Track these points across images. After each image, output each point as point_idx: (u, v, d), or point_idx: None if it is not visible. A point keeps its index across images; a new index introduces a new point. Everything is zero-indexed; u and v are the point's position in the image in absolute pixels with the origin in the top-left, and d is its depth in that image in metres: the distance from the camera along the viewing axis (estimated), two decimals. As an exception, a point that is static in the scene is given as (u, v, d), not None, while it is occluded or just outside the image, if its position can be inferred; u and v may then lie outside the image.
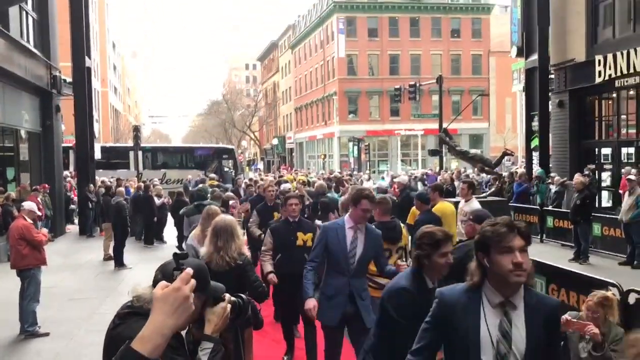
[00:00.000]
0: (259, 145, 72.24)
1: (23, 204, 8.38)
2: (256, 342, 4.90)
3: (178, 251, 2.18)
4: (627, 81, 15.71)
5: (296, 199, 6.49)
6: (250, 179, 18.38)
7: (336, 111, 49.56)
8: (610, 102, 18.01)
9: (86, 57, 19.12)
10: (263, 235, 8.63)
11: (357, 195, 4.89)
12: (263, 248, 6.38)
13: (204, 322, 2.40)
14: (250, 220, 9.10)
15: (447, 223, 7.75)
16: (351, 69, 50.35)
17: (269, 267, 6.17)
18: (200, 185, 13.38)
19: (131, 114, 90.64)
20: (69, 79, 18.92)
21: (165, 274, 2.24)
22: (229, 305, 2.47)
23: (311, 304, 4.93)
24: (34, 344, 7.34)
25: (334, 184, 15.22)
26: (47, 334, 7.58)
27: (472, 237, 5.28)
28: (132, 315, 2.22)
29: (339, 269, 4.88)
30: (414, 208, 8.24)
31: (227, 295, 2.50)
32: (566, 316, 4.35)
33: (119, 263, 12.35)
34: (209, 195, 9.70)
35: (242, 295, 2.70)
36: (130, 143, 31.14)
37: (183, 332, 2.20)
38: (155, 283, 2.29)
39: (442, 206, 7.92)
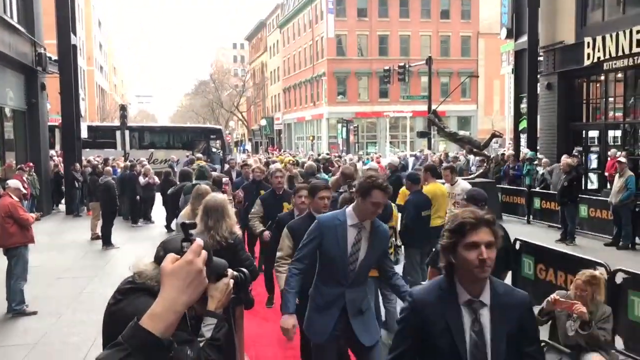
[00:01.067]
0: (247, 126, 71.88)
1: (8, 182, 8.27)
2: (246, 320, 4.89)
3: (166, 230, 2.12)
4: (615, 64, 15.76)
5: (328, 192, 5.05)
6: (243, 161, 18.19)
7: (325, 92, 49.35)
8: (598, 85, 18.08)
9: (72, 35, 18.81)
10: (266, 231, 6.94)
11: (368, 185, 3.72)
12: (279, 254, 4.92)
13: (206, 298, 2.37)
14: (252, 210, 7.51)
15: (438, 204, 7.79)
16: (340, 49, 50.04)
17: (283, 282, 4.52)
18: (201, 164, 13.41)
19: (117, 93, 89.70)
20: (54, 57, 18.63)
21: (168, 249, 2.22)
22: (231, 281, 2.44)
23: (290, 322, 4.00)
24: (21, 322, 7.30)
25: (322, 165, 15.24)
26: (34, 313, 7.54)
27: None
28: (134, 291, 2.20)
29: (335, 276, 3.89)
30: (403, 188, 8.25)
31: (230, 271, 2.48)
32: (554, 296, 4.40)
33: (107, 242, 12.28)
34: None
35: (244, 270, 2.68)
36: (116, 122, 30.89)
37: None
38: (157, 259, 2.27)
39: (434, 187, 7.92)
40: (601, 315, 4.38)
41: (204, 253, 1.46)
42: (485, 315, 2.33)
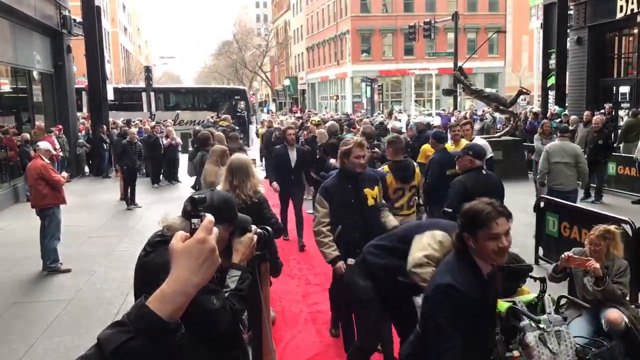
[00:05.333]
0: (271, 86, 71.60)
1: (38, 143, 8.46)
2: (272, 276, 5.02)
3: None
4: (650, 16, 15.25)
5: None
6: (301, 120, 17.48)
7: (349, 50, 48.71)
8: (630, 39, 17.55)
9: (95, -4, 18.83)
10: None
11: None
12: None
13: (231, 251, 2.50)
14: (316, 202, 4.83)
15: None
16: (364, 5, 49.12)
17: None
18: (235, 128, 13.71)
19: (142, 54, 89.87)
20: (79, 19, 18.71)
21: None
22: (255, 236, 2.57)
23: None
24: (56, 279, 7.59)
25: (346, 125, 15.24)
26: (68, 270, 7.82)
27: (467, 170, 5.44)
28: (164, 243, 2.30)
29: None
30: (424, 147, 8.21)
31: (254, 227, 2.61)
32: (568, 253, 4.40)
33: (128, 202, 12.69)
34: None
35: (268, 227, 2.80)
36: (142, 84, 31.09)
37: None
38: (184, 213, 2.37)
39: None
40: (617, 270, 4.38)
41: (215, 230, 1.37)
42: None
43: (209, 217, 1.38)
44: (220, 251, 2.35)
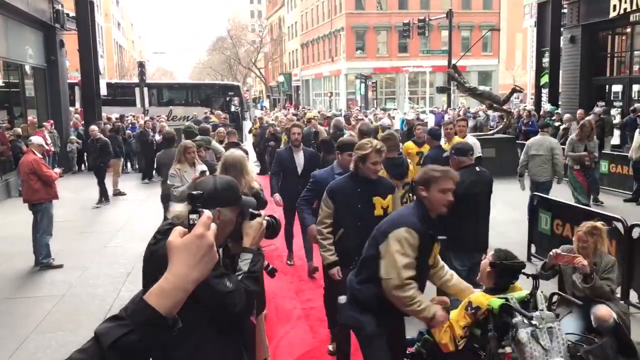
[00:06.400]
0: (265, 82, 71.45)
1: (31, 138, 8.42)
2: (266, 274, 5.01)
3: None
4: (642, 15, 15.31)
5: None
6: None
7: (343, 47, 48.67)
8: (623, 38, 17.63)
9: (88, -10, 18.70)
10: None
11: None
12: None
13: (241, 236, 2.58)
14: (322, 200, 4.60)
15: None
16: (359, 3, 49.07)
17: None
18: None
19: (135, 49, 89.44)
20: (72, 13, 18.60)
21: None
22: (264, 222, 2.67)
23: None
24: (48, 275, 7.55)
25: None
26: (60, 266, 7.78)
27: (457, 169, 5.49)
28: None
29: None
30: (406, 144, 8.27)
31: (263, 212, 2.72)
32: (556, 250, 4.42)
33: (104, 197, 12.66)
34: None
35: (275, 216, 2.92)
36: (135, 79, 30.93)
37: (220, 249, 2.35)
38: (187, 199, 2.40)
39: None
40: (605, 266, 4.39)
41: (213, 226, 1.37)
42: None
43: (207, 213, 1.39)
44: (229, 232, 2.41)
